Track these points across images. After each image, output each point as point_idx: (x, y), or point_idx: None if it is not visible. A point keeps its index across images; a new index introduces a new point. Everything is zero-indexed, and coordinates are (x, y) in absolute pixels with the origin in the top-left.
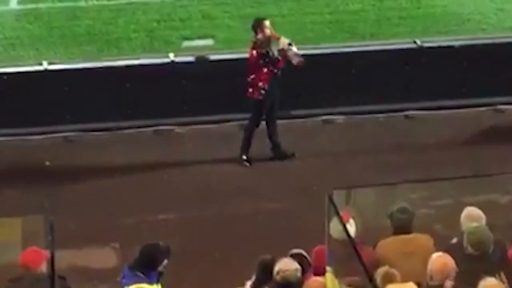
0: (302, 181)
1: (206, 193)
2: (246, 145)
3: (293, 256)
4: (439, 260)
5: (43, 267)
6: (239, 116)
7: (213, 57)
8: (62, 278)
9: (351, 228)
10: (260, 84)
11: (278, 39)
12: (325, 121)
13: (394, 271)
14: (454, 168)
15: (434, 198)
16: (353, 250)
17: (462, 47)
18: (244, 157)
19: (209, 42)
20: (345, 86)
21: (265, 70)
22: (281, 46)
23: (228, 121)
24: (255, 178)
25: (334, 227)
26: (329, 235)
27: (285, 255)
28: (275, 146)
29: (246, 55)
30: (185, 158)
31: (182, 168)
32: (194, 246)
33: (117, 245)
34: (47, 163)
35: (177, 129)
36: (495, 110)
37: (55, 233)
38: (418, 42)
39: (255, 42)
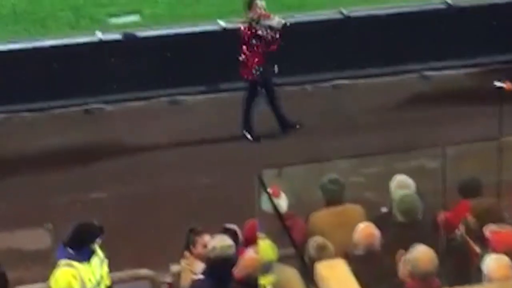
0: (234, 154)
1: (138, 169)
2: (247, 121)
3: (225, 230)
4: (364, 229)
5: None
6: (168, 92)
7: (141, 33)
8: None
9: (283, 202)
10: (254, 64)
11: (269, 17)
12: None
13: (326, 241)
14: (382, 135)
15: (365, 166)
16: (282, 224)
17: (388, 16)
18: (247, 134)
19: (136, 18)
20: (273, 58)
21: (259, 49)
22: (274, 24)
23: (158, 97)
24: (187, 153)
25: (265, 202)
26: (260, 210)
27: (217, 229)
28: (281, 119)
29: (173, 31)
30: (116, 136)
31: (113, 146)
32: (128, 222)
33: (50, 226)
34: None
35: (107, 107)
36: (421, 76)
37: None
38: (345, 12)
39: (248, 21)
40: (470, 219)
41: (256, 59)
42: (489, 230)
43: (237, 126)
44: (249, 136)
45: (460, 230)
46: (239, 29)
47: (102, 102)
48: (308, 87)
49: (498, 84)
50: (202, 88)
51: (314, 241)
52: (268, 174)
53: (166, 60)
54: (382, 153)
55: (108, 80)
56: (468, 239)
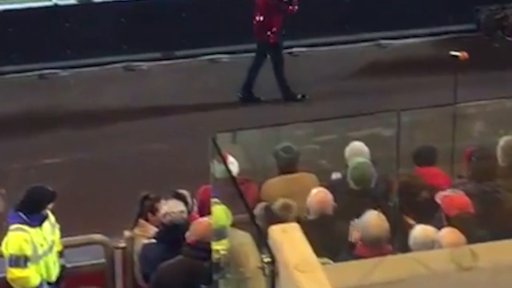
0: (189, 121)
1: (91, 135)
2: (250, 85)
3: (176, 195)
4: (317, 195)
5: None
6: (123, 58)
7: None
8: None
9: (233, 167)
10: (274, 28)
11: None
12: (211, 61)
13: (291, 202)
14: (338, 103)
15: (320, 134)
16: (235, 188)
17: None
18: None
19: None
20: (229, 26)
21: (278, 13)
22: None
23: (113, 63)
24: (140, 119)
25: (217, 167)
26: (214, 175)
27: (170, 195)
28: (285, 87)
29: None
30: (70, 102)
31: (68, 112)
32: (81, 188)
33: (3, 190)
34: None
35: (62, 72)
36: (377, 45)
37: None
38: None
39: None
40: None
41: (276, 23)
42: (441, 195)
43: (192, 93)
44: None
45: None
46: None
47: (56, 68)
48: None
49: (453, 53)
50: (157, 54)
51: (280, 201)
52: (222, 139)
53: (121, 26)
54: (337, 118)
55: (63, 46)
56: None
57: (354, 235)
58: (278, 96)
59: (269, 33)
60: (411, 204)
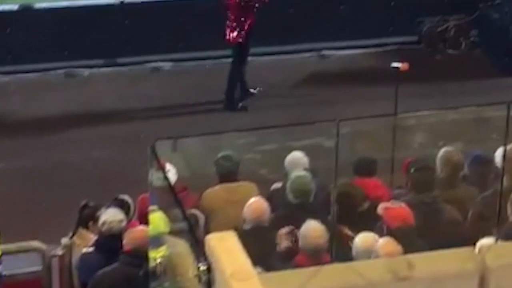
0: (130, 129)
1: (32, 142)
2: (232, 90)
3: (117, 201)
4: (253, 204)
5: None
6: (64, 64)
7: (38, 5)
8: None
9: (171, 175)
10: (246, 26)
11: None
12: (153, 69)
13: None
14: (279, 113)
15: (261, 143)
16: (173, 197)
17: None
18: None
19: None
20: (172, 34)
21: (251, 12)
22: None
23: (54, 69)
24: (81, 126)
25: (155, 175)
26: (152, 183)
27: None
28: (244, 85)
29: (71, 3)
30: (10, 107)
31: (7, 118)
32: (21, 195)
33: None
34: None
35: (2, 78)
36: (319, 55)
37: None
38: None
39: None
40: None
41: (249, 21)
42: (382, 207)
43: (134, 100)
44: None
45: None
46: None
47: None
48: (208, 64)
49: (394, 64)
50: (99, 61)
51: None
52: (162, 146)
53: (63, 32)
54: (278, 127)
55: (4, 51)
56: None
57: (282, 243)
58: (219, 105)
59: (241, 32)
60: (351, 214)
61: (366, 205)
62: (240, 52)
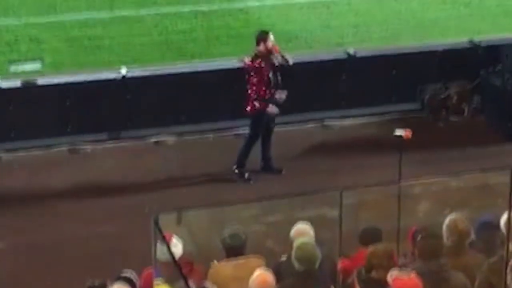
0: (134, 202)
1: (35, 219)
2: (244, 158)
3: (122, 278)
4: (258, 277)
5: None
6: (68, 140)
7: (41, 81)
8: None
9: (177, 248)
10: (267, 96)
11: (279, 53)
12: (156, 142)
13: None
14: (283, 183)
15: (265, 214)
16: (178, 270)
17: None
18: (240, 171)
19: (37, 66)
20: (174, 107)
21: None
22: (280, 61)
23: (59, 145)
24: (85, 201)
25: (160, 249)
26: (155, 256)
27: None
28: (269, 160)
29: (73, 79)
30: (13, 186)
31: (11, 195)
32: (26, 272)
33: None
34: None
35: (5, 155)
36: (322, 125)
37: None
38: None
39: (256, 54)
40: (362, 266)
41: (268, 91)
42: (391, 275)
43: (138, 174)
44: (245, 175)
45: (352, 275)
46: (244, 63)
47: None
48: (211, 136)
49: (397, 132)
50: (102, 136)
51: None
52: (166, 219)
53: (66, 108)
54: (283, 201)
55: (7, 128)
56: (355, 283)
57: None
58: (223, 176)
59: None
60: (366, 280)
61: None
62: (260, 120)
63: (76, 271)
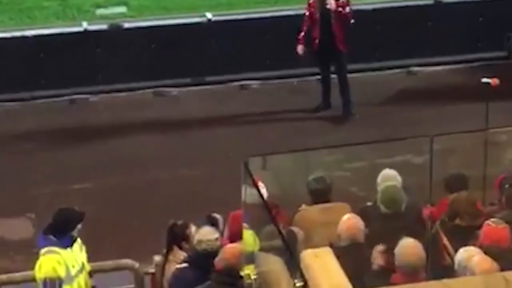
0: (219, 147)
1: (122, 161)
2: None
3: (210, 219)
4: (347, 221)
5: None
6: (153, 84)
7: (127, 24)
8: None
9: (263, 191)
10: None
11: None
12: (241, 86)
13: None
14: (369, 130)
15: (350, 160)
16: (267, 213)
17: (375, 11)
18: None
19: (122, 9)
20: (259, 52)
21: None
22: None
23: (144, 88)
24: (171, 146)
25: (249, 192)
26: (245, 201)
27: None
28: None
29: (159, 22)
30: (101, 127)
31: (98, 137)
32: (111, 214)
33: (32, 216)
34: None
35: (92, 97)
36: (407, 72)
37: None
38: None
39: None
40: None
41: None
42: (486, 223)
43: (222, 119)
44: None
45: (435, 225)
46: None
47: (87, 93)
48: (295, 81)
49: (485, 80)
50: (187, 80)
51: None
52: (253, 164)
53: (152, 51)
54: (369, 147)
55: (93, 71)
56: (441, 233)
57: (378, 261)
58: (308, 122)
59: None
60: (451, 229)
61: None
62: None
63: (161, 213)
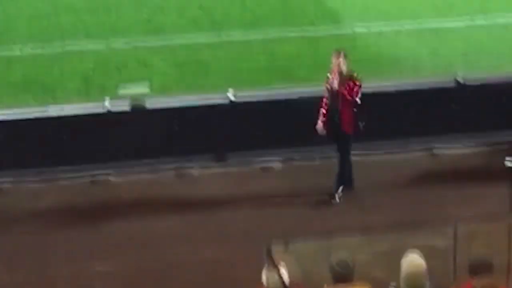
0: (240, 228)
1: (143, 241)
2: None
3: None
4: None
5: None
6: (175, 164)
7: (149, 104)
8: None
9: (284, 276)
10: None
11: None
12: (263, 168)
13: None
14: (391, 212)
15: (374, 243)
16: None
17: (398, 93)
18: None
19: (145, 89)
20: (281, 131)
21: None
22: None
23: (165, 170)
24: (191, 225)
25: (269, 277)
26: (267, 284)
27: None
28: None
29: (181, 103)
30: (121, 207)
31: (119, 217)
32: None
33: None
34: None
35: (114, 178)
36: (430, 154)
37: None
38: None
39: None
40: None
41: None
42: None
43: (244, 200)
44: (337, 198)
45: None
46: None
47: (108, 173)
48: (316, 158)
49: (509, 163)
50: (209, 160)
51: None
52: (275, 246)
53: (173, 132)
54: (391, 230)
55: (115, 150)
56: None
57: None
58: (328, 203)
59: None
60: None
61: None
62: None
63: None
